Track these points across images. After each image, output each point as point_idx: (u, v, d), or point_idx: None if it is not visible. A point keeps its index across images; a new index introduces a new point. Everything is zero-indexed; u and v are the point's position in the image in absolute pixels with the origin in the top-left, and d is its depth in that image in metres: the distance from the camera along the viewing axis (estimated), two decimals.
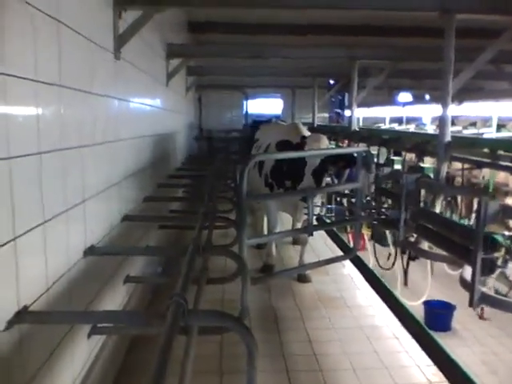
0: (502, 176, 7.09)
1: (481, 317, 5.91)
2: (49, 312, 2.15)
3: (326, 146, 4.98)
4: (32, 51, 2.05)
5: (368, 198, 5.19)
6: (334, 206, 6.16)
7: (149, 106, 5.00)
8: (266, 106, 14.59)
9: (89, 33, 2.80)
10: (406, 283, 5.20)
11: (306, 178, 4.74)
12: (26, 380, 1.98)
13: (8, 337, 1.84)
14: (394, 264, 5.34)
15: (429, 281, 5.89)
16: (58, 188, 2.36)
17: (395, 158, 5.98)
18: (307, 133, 5.42)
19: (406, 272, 4.92)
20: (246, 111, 13.28)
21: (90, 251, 2.77)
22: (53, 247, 2.25)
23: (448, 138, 4.10)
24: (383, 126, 10.03)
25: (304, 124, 6.01)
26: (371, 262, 6.81)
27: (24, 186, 1.97)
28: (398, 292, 5.66)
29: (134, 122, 4.17)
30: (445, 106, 4.09)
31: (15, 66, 1.89)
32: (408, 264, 4.77)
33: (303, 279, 5.42)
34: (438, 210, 4.27)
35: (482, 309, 5.49)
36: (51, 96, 2.28)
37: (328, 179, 5.20)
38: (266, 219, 5.97)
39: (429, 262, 5.75)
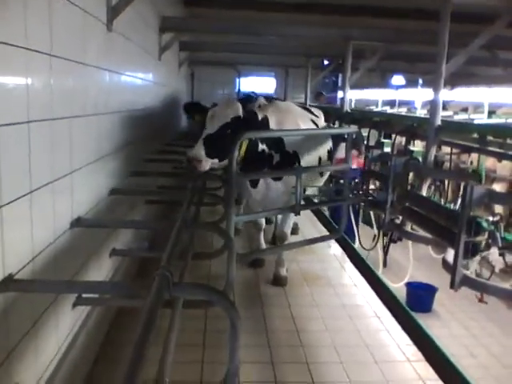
0: (490, 162, 7.15)
1: (480, 300, 6.01)
2: (33, 280, 2.17)
3: (235, 110, 4.16)
4: (22, 18, 2.02)
5: (356, 180, 5.23)
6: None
7: (140, 80, 4.96)
8: (258, 84, 14.48)
9: (81, 2, 2.77)
10: (385, 264, 5.27)
11: (196, 144, 3.99)
12: (10, 347, 2.00)
13: None
14: (375, 245, 5.40)
15: (411, 262, 5.97)
16: (46, 158, 2.35)
17: (385, 140, 6.00)
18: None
19: (386, 253, 4.98)
20: (239, 89, 13.18)
21: (76, 223, 2.78)
22: (39, 217, 2.26)
23: (438, 122, 4.12)
24: (375, 109, 10.01)
25: (297, 104, 5.94)
26: (357, 243, 6.90)
27: (11, 154, 1.96)
28: (380, 272, 5.74)
29: (124, 94, 4.14)
30: (437, 90, 4.09)
31: (4, 32, 1.87)
32: (388, 246, 4.83)
33: (278, 282, 4.89)
34: (424, 193, 4.31)
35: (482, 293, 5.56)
36: (41, 65, 2.26)
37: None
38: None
39: (410, 244, 5.82)
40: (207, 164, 3.98)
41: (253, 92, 8.60)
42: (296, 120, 4.74)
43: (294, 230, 6.11)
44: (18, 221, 2.07)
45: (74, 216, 2.78)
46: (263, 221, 5.34)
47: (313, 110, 5.75)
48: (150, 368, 1.72)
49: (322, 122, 5.48)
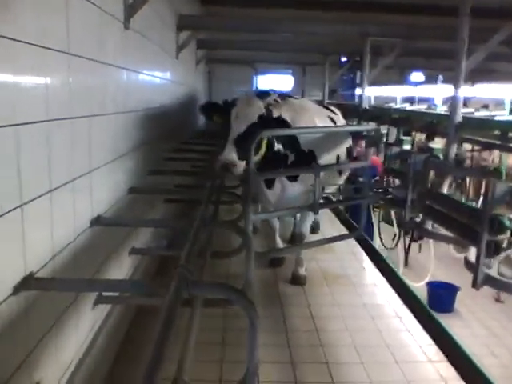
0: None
1: (497, 299, 5.92)
2: (54, 279, 2.18)
3: (258, 108, 4.07)
4: (39, 16, 2.03)
5: (376, 177, 5.18)
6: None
7: (158, 78, 4.97)
8: (276, 82, 14.44)
9: (98, 1, 2.77)
10: (406, 263, 5.21)
11: (227, 147, 3.86)
12: (31, 346, 2.01)
13: (14, 302, 1.86)
14: (396, 244, 5.34)
15: (432, 262, 5.89)
16: (66, 157, 2.36)
17: (405, 137, 5.93)
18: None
19: (407, 252, 4.93)
20: (256, 87, 13.17)
21: (96, 221, 2.79)
22: (60, 215, 2.27)
23: (459, 119, 4.06)
24: (394, 106, 9.92)
25: (314, 101, 5.88)
26: (378, 242, 6.83)
27: (31, 153, 1.97)
28: (400, 272, 5.68)
29: (142, 93, 4.15)
30: (457, 86, 4.03)
31: (22, 31, 1.87)
32: (410, 245, 4.77)
33: (297, 281, 4.84)
34: (445, 191, 4.25)
35: (499, 292, 5.49)
36: (60, 63, 2.26)
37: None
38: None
39: (431, 243, 5.74)
40: (241, 166, 3.83)
41: (271, 89, 8.56)
42: (312, 118, 4.63)
43: (315, 229, 6.06)
44: (39, 219, 2.08)
45: (93, 215, 2.79)
46: (277, 223, 5.19)
47: (331, 107, 5.69)
48: (170, 367, 1.71)
49: (340, 120, 5.39)
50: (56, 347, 2.28)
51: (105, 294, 2.85)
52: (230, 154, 3.80)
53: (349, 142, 5.11)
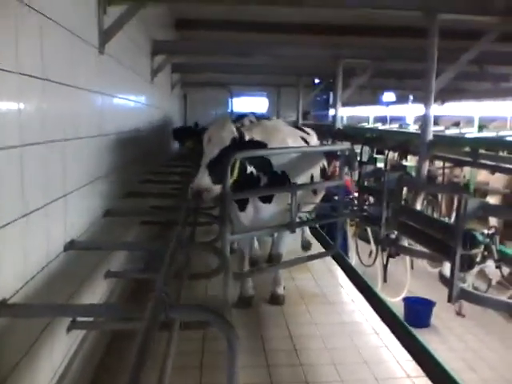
0: (482, 175, 7.20)
1: (458, 313, 5.99)
2: (27, 305, 2.15)
3: (230, 131, 3.98)
4: (13, 42, 2.04)
5: (351, 196, 5.23)
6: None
7: (133, 102, 4.98)
8: (251, 104, 14.58)
9: (73, 27, 2.79)
10: (385, 280, 5.26)
11: (200, 173, 3.78)
12: (4, 373, 1.97)
13: None
14: (375, 261, 5.39)
15: (408, 277, 5.96)
16: (40, 181, 2.35)
17: (378, 156, 6.04)
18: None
19: (385, 269, 4.98)
20: (232, 109, 13.27)
21: (70, 245, 2.76)
22: (33, 240, 2.24)
23: (430, 137, 4.16)
24: (367, 126, 10.10)
25: (288, 122, 5.95)
26: (354, 259, 6.88)
27: (4, 178, 1.96)
28: (379, 288, 5.72)
29: (117, 117, 4.15)
30: (427, 105, 4.14)
31: None
32: (388, 261, 4.82)
33: (276, 300, 4.80)
34: (418, 207, 4.33)
35: (460, 305, 5.56)
36: (33, 89, 2.26)
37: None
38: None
39: (408, 258, 5.81)
40: (215, 191, 3.79)
41: (251, 112, 8.62)
42: (285, 139, 4.60)
43: (306, 247, 6.08)
44: (11, 245, 2.05)
45: (67, 239, 2.76)
46: (247, 248, 4.88)
47: (305, 128, 5.75)
48: None
49: (314, 140, 5.44)
50: (31, 374, 2.23)
51: (79, 319, 2.81)
52: (203, 179, 3.74)
53: (322, 162, 5.16)
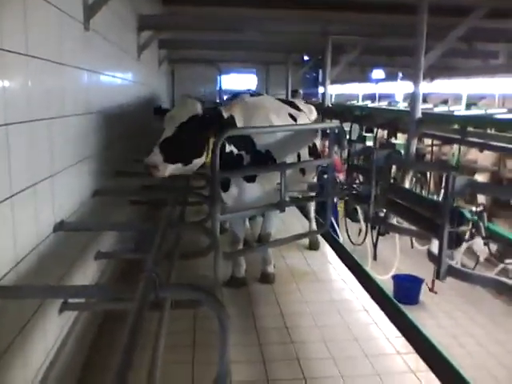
0: (471, 153, 7.23)
1: (431, 289, 6.04)
2: (18, 286, 2.13)
3: (191, 110, 3.90)
4: None
5: (339, 176, 5.23)
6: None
7: (119, 79, 4.90)
8: (240, 81, 14.45)
9: (57, 1, 2.72)
10: (375, 258, 5.30)
11: (153, 150, 3.73)
12: None
13: None
14: (364, 239, 5.42)
15: (397, 255, 6.01)
16: (26, 161, 2.30)
17: (367, 134, 6.02)
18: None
19: (375, 247, 5.01)
20: (220, 86, 13.14)
21: (59, 226, 2.73)
22: (21, 221, 2.21)
23: (419, 115, 4.15)
24: (356, 103, 10.06)
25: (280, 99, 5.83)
26: (342, 238, 6.92)
27: None
28: (369, 266, 5.77)
29: (103, 94, 4.09)
30: (416, 82, 4.12)
31: None
32: (377, 239, 4.85)
33: (266, 279, 4.85)
34: (407, 185, 4.34)
35: (433, 281, 5.62)
36: (17, 65, 2.21)
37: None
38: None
39: (397, 236, 5.85)
40: (166, 170, 3.74)
41: (248, 89, 8.53)
42: (267, 116, 4.44)
43: (315, 245, 5.87)
44: (0, 226, 2.02)
45: (56, 220, 2.73)
46: (242, 232, 4.84)
47: (301, 104, 5.53)
48: (140, 371, 1.70)
49: (304, 117, 5.18)
50: (23, 355, 2.23)
51: (71, 300, 2.80)
52: (154, 156, 3.70)
53: (312, 140, 5.06)
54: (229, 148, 4.15)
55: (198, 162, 3.92)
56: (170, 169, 3.77)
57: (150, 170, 3.72)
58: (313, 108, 5.70)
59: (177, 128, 3.82)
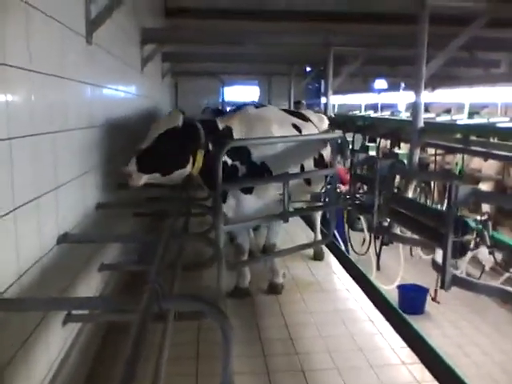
0: (475, 162, 7.23)
1: (433, 299, 5.99)
2: (21, 299, 2.13)
3: (171, 121, 3.97)
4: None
5: (342, 187, 5.22)
6: None
7: (123, 92, 4.94)
8: (242, 93, 14.53)
9: (59, 16, 2.75)
10: (378, 268, 5.28)
11: (131, 159, 3.79)
12: (1, 365, 1.96)
13: None
14: (368, 249, 5.41)
15: (401, 265, 5.98)
16: (30, 174, 2.32)
17: (370, 144, 6.03)
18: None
19: (378, 257, 4.99)
20: (223, 98, 13.22)
21: (63, 238, 2.74)
22: (24, 235, 2.22)
23: (421, 124, 4.16)
24: (359, 113, 10.10)
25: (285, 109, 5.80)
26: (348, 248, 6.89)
27: None
28: (373, 276, 5.74)
29: (107, 107, 4.11)
30: (418, 92, 4.13)
31: None
32: (381, 249, 4.84)
33: (274, 290, 4.83)
34: (410, 194, 4.34)
35: (436, 291, 5.58)
36: (21, 80, 2.23)
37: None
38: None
39: (401, 246, 5.82)
40: (140, 179, 3.80)
41: (253, 101, 8.58)
42: (269, 127, 4.44)
43: (319, 255, 5.85)
44: (3, 239, 2.03)
45: (60, 232, 2.74)
46: (247, 243, 4.83)
47: (310, 114, 5.47)
48: (144, 383, 1.70)
49: (310, 127, 5.09)
50: (27, 368, 2.23)
51: (75, 312, 2.80)
52: (130, 165, 3.78)
53: (318, 151, 5.01)
54: (223, 158, 4.11)
55: (180, 172, 3.98)
56: (145, 178, 3.85)
57: (126, 178, 3.81)
58: (324, 117, 5.67)
59: (154, 139, 3.89)
